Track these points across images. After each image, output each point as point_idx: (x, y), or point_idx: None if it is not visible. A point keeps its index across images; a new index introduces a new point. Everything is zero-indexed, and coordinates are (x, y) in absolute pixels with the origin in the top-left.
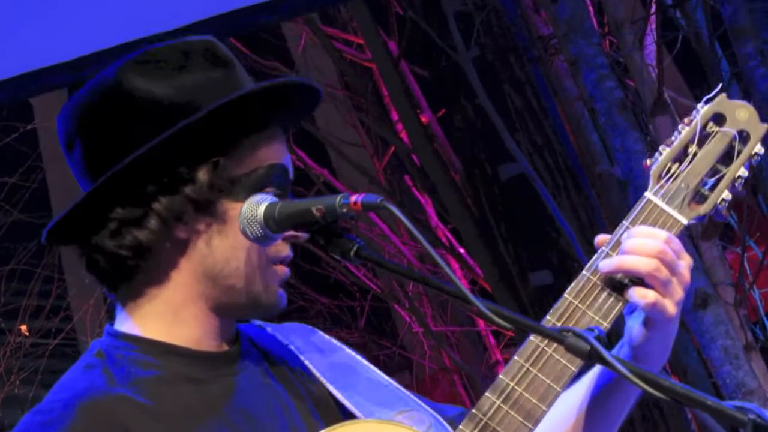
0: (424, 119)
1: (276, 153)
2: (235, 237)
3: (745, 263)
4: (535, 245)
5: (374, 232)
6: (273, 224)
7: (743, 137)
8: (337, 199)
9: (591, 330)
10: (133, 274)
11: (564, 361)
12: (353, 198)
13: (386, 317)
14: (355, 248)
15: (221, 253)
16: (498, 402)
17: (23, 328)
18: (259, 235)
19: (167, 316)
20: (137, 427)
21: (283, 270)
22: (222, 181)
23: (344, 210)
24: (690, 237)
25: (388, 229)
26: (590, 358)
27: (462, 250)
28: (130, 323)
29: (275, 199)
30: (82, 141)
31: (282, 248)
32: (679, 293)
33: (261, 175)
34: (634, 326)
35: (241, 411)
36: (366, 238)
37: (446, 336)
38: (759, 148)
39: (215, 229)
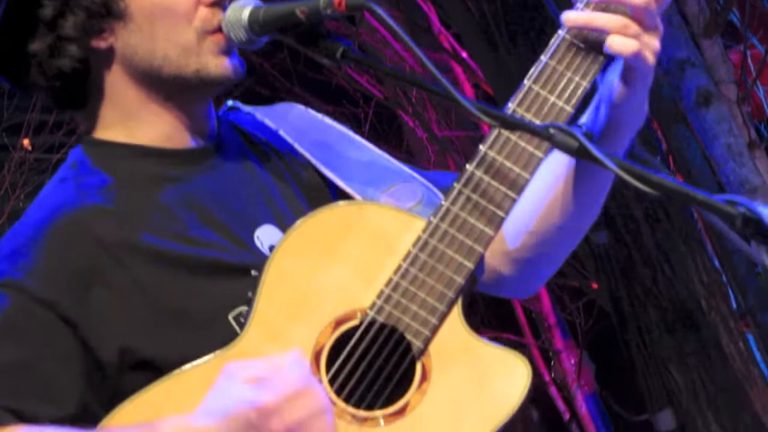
0: None
1: None
2: (150, 28)
3: (749, 60)
4: (537, 46)
5: (375, 38)
6: (257, 27)
7: None
8: (321, 0)
9: (579, 126)
10: (85, 96)
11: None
12: None
13: (390, 124)
14: (341, 50)
15: (143, 47)
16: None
17: (26, 142)
18: (244, 39)
19: (130, 121)
20: (109, 235)
21: (219, 38)
22: None
23: (328, 11)
24: (691, 35)
25: (389, 35)
26: (579, 155)
27: (465, 54)
28: (102, 134)
29: (259, 3)
30: None
31: (209, 17)
32: (654, 44)
33: None
34: (613, 80)
35: (221, 204)
36: (367, 44)
37: (451, 141)
38: None
39: (128, 28)
